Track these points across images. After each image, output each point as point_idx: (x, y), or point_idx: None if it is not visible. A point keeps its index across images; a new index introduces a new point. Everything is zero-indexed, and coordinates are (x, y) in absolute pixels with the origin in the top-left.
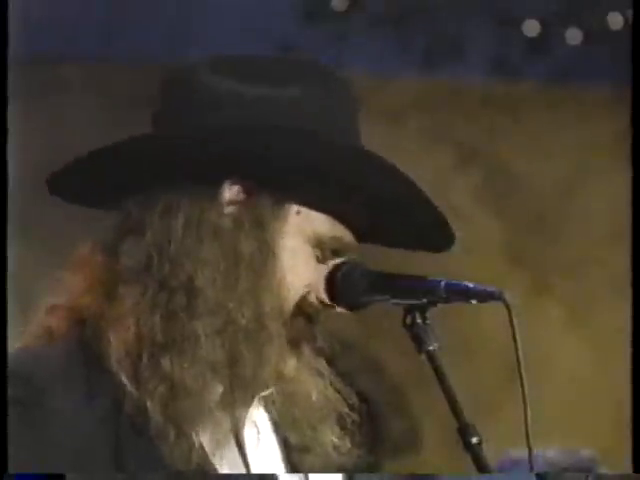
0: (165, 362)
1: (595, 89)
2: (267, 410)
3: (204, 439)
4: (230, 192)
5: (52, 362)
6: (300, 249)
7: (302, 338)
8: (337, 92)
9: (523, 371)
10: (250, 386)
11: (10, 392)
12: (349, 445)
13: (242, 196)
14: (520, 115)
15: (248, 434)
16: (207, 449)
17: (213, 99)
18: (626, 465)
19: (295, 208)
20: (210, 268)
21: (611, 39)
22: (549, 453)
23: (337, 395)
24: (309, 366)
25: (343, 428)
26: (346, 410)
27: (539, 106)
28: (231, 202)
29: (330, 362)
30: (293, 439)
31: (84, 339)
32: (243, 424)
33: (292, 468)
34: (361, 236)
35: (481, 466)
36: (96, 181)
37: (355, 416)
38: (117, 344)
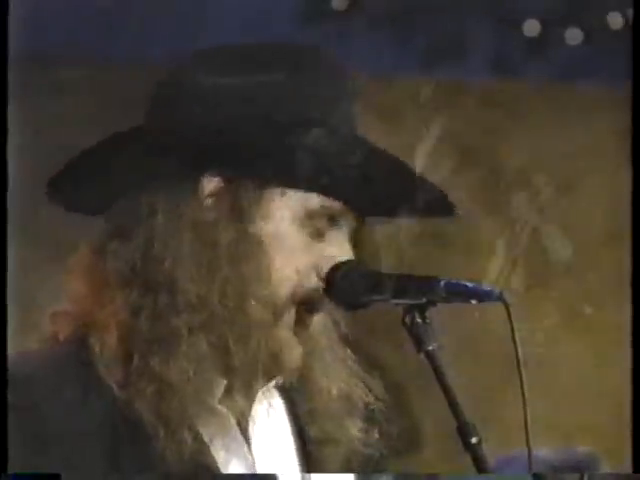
0: (153, 363)
1: (595, 89)
2: (285, 402)
3: (207, 434)
4: (209, 184)
5: (50, 365)
6: (289, 231)
7: (306, 326)
8: (325, 75)
9: (523, 370)
10: (247, 378)
11: (8, 395)
12: (377, 435)
13: (221, 186)
14: (520, 115)
15: (257, 427)
16: (211, 444)
17: (196, 93)
18: (626, 465)
19: (279, 190)
20: (191, 263)
21: (611, 39)
22: (545, 452)
23: (362, 384)
24: (334, 356)
25: (369, 419)
26: (372, 400)
27: (539, 106)
28: (211, 194)
29: (355, 350)
30: (312, 432)
31: (79, 343)
32: (247, 417)
33: (309, 462)
34: (355, 209)
35: (481, 466)
36: (86, 186)
37: (381, 405)
38: (104, 348)
